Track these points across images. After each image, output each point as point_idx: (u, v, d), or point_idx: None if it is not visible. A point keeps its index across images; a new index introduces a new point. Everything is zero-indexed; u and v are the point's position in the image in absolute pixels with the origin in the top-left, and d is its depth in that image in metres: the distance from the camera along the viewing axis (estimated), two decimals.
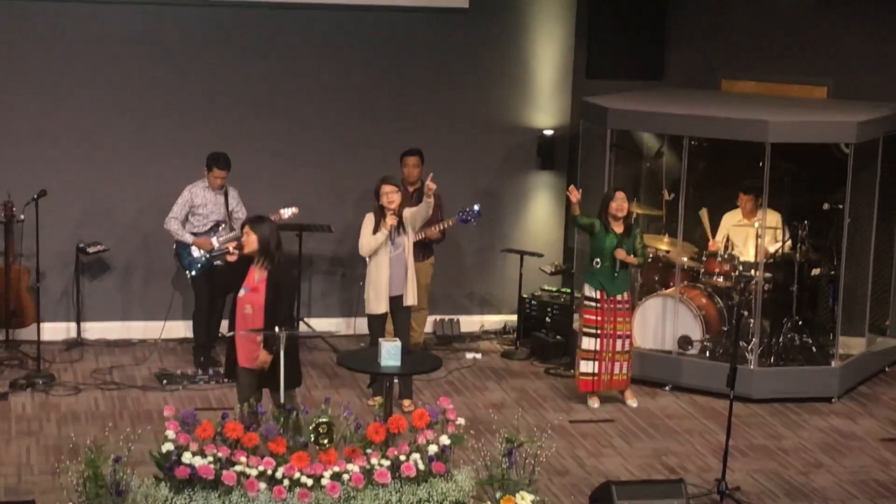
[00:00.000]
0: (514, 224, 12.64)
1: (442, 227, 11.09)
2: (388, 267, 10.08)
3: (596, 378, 10.60)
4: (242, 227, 8.79)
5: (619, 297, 10.55)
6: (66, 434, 9.44)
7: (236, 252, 8.74)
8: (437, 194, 10.51)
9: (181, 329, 11.40)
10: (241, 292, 8.71)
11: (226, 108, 11.83)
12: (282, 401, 8.15)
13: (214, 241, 10.95)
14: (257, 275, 8.67)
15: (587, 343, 10.58)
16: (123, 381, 10.82)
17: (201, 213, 11.00)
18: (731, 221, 11.45)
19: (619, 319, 10.57)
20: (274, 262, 8.65)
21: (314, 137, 12.04)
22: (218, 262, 11.04)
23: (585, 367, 10.59)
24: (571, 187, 10.57)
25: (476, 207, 10.94)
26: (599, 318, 10.54)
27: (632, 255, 10.49)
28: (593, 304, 10.55)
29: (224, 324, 11.71)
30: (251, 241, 8.63)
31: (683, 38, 12.54)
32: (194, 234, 10.99)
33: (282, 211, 10.97)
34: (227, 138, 11.67)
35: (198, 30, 11.73)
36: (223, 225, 11.06)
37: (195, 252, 10.97)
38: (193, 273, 11.06)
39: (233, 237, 11.03)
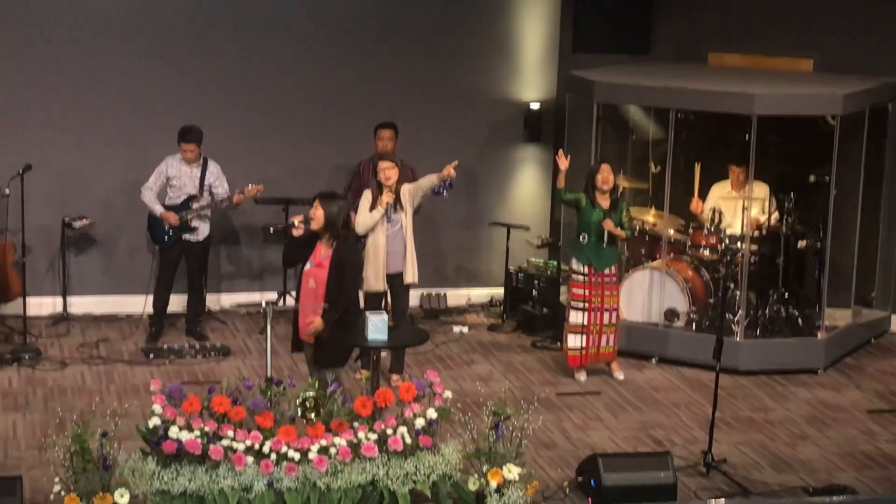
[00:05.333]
0: (501, 197, 12.63)
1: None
2: (386, 244, 10.07)
3: (584, 352, 10.61)
4: (313, 201, 8.69)
5: (606, 271, 10.55)
6: (53, 409, 9.43)
7: (302, 226, 8.69)
8: (410, 167, 10.47)
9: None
10: (308, 266, 8.70)
11: (209, 82, 11.79)
12: (269, 374, 8.14)
13: (183, 215, 10.94)
14: (324, 251, 8.64)
15: (575, 317, 10.58)
16: (110, 356, 10.81)
17: (175, 185, 10.99)
18: (720, 193, 11.45)
19: (606, 293, 10.57)
20: (340, 240, 8.61)
21: (300, 111, 12.01)
22: (188, 237, 11.03)
23: (573, 341, 10.60)
24: (560, 152, 10.54)
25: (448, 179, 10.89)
26: (587, 292, 10.54)
27: (619, 229, 10.49)
28: (581, 277, 10.55)
29: (218, 298, 11.77)
30: (318, 217, 8.59)
31: (670, 11, 12.51)
32: (168, 206, 10.97)
33: (248, 187, 10.95)
34: (210, 112, 11.65)
35: (178, 4, 11.66)
36: (197, 199, 11.01)
37: (164, 225, 10.96)
38: (161, 246, 11.05)
39: (199, 211, 10.99)
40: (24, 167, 10.74)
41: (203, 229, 11.10)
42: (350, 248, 8.70)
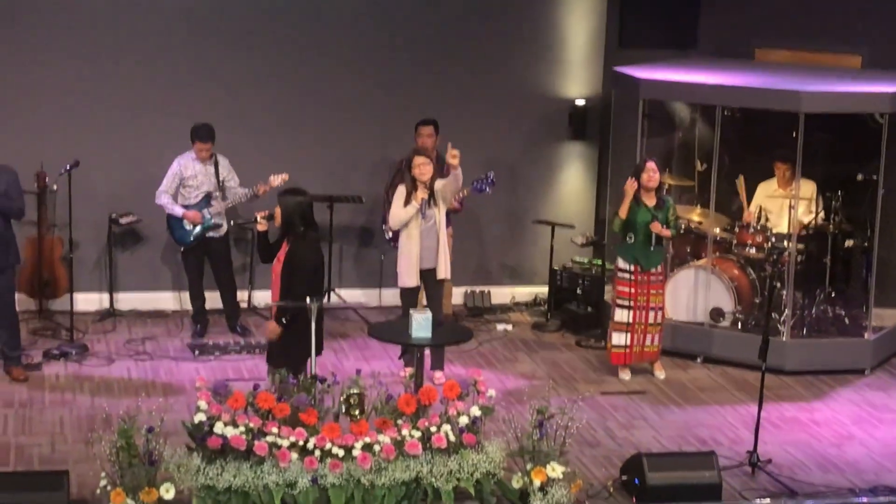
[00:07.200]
0: (546, 195, 12.60)
1: (460, 197, 11.03)
2: (420, 240, 10.06)
3: (628, 350, 10.57)
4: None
5: (652, 270, 10.50)
6: (99, 404, 9.49)
7: (265, 221, 8.74)
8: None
9: (213, 299, 11.43)
10: (275, 261, 8.74)
11: (251, 79, 11.79)
12: (314, 370, 8.16)
13: (206, 212, 10.96)
14: (286, 246, 8.67)
15: (620, 315, 10.53)
16: (156, 352, 10.87)
17: (192, 184, 11.00)
18: (766, 192, 11.38)
19: (652, 292, 10.51)
20: (297, 237, 8.58)
21: (342, 108, 12.01)
22: (213, 234, 11.06)
23: (618, 339, 10.56)
24: (632, 179, 10.35)
25: (490, 176, 10.86)
26: (633, 291, 10.48)
27: (665, 228, 10.43)
28: (627, 276, 10.50)
29: (262, 294, 11.80)
30: (278, 213, 8.63)
31: (717, 6, 12.44)
32: (186, 206, 11.00)
33: (272, 178, 10.94)
34: (252, 109, 11.72)
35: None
36: (214, 196, 11.04)
37: (186, 225, 10.99)
38: (186, 246, 11.08)
39: (224, 208, 11.03)
40: (72, 163, 10.81)
41: (224, 225, 11.13)
42: (304, 248, 8.56)
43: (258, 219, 8.80)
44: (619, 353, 10.58)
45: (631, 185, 10.33)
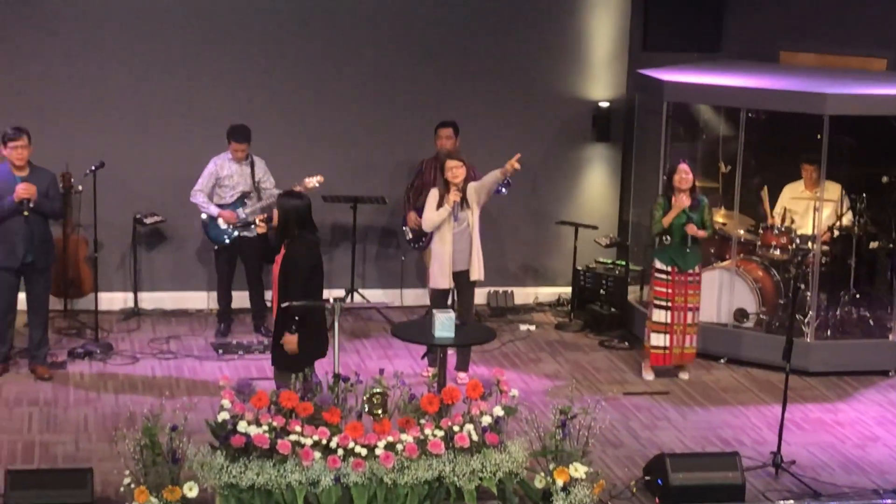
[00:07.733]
0: (569, 196, 12.60)
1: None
2: (452, 242, 10.07)
3: (667, 352, 10.51)
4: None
5: (690, 271, 10.47)
6: (124, 403, 9.53)
7: (264, 224, 8.76)
8: (471, 165, 10.44)
9: (237, 299, 11.46)
10: (275, 264, 8.76)
11: (273, 80, 11.82)
12: (337, 370, 8.17)
13: (240, 212, 11.00)
14: (284, 249, 8.68)
15: (658, 315, 10.49)
16: (180, 351, 10.91)
17: (227, 184, 11.04)
18: (792, 193, 11.35)
19: (689, 292, 10.47)
20: (293, 239, 8.54)
21: (365, 109, 12.02)
22: (247, 234, 11.10)
23: (656, 340, 10.51)
24: (685, 197, 10.35)
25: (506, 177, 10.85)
26: (670, 291, 10.44)
27: (701, 229, 10.40)
28: (664, 276, 10.45)
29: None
30: (275, 216, 8.66)
31: (742, 9, 12.42)
32: (221, 205, 11.04)
33: (307, 180, 10.96)
34: (275, 110, 11.75)
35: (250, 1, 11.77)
36: (250, 196, 11.07)
37: (222, 224, 11.02)
38: (220, 245, 11.11)
39: (259, 208, 11.07)
40: (98, 164, 10.86)
41: None
42: (299, 250, 8.53)
43: (257, 222, 8.84)
44: (659, 355, 10.53)
45: (682, 202, 10.30)
